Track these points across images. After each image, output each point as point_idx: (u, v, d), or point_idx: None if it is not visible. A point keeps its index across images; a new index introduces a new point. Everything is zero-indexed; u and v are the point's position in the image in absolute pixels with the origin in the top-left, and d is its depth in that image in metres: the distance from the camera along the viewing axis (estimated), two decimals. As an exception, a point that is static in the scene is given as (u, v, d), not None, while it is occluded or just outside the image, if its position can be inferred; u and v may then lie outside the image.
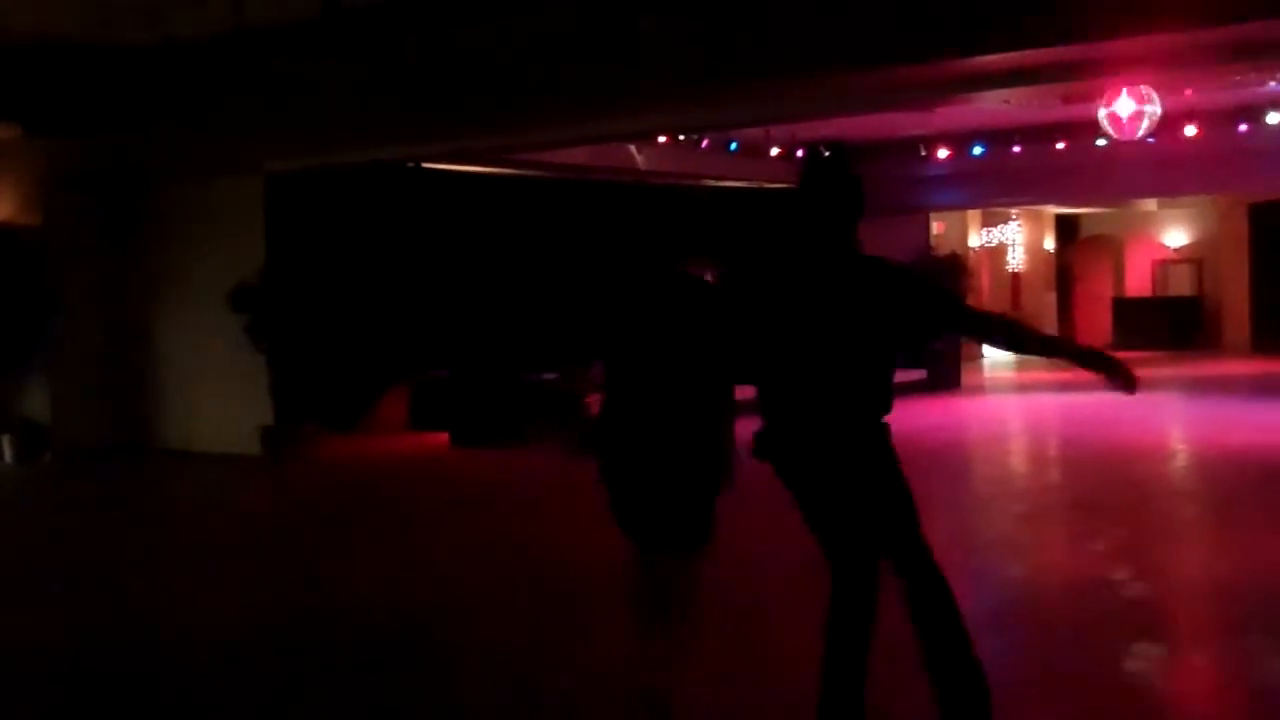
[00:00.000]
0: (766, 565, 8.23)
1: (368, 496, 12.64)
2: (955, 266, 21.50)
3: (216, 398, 15.50)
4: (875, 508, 4.81)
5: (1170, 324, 29.00)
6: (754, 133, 19.16)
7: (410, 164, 16.62)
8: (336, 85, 12.30)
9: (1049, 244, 31.31)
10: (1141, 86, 14.04)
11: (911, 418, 17.89)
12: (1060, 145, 19.93)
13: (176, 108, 13.43)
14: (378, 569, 8.98)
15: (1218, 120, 18.46)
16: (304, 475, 14.06)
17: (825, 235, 4.94)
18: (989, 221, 29.32)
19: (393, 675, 6.33)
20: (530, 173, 18.24)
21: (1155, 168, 20.39)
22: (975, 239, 28.61)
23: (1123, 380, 4.76)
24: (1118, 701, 5.63)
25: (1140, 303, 30.11)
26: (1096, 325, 30.46)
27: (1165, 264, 30.20)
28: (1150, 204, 29.37)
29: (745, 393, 5.13)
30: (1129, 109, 14.18)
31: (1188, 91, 16.25)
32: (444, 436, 15.60)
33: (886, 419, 4.88)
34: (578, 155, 17.58)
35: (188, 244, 15.71)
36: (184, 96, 13.27)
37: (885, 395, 4.86)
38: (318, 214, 16.09)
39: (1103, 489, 11.51)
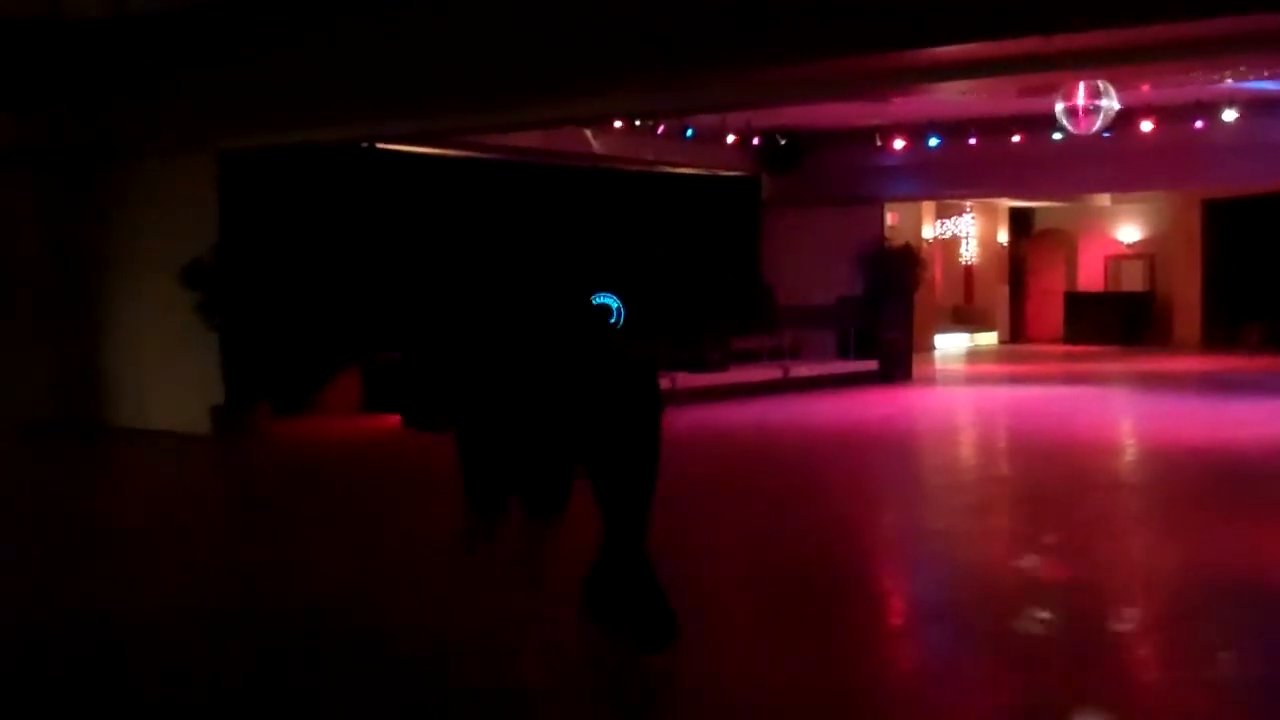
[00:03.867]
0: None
1: (315, 478, 12.55)
2: (909, 258, 21.59)
3: (167, 376, 15.37)
4: None
5: (1122, 319, 29.20)
6: (710, 119, 19.14)
7: (365, 144, 16.52)
8: (291, 63, 12.19)
9: (1002, 237, 31.45)
10: (1099, 81, 14.10)
11: (863, 408, 18.04)
12: (1016, 138, 19.98)
13: (130, 83, 13.28)
14: (313, 552, 8.90)
15: (1174, 116, 18.55)
16: (253, 456, 13.95)
17: None
18: (943, 213, 29.44)
19: (314, 661, 6.30)
20: (485, 155, 18.16)
21: (1111, 163, 20.49)
22: (929, 231, 28.71)
23: None
24: (1063, 690, 5.66)
25: (1092, 297, 30.30)
26: (1048, 319, 30.66)
27: (1118, 259, 30.40)
28: (1104, 199, 29.56)
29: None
30: (1086, 103, 14.24)
31: (1144, 87, 16.34)
32: (397, 418, 15.50)
33: None
34: (533, 139, 17.51)
35: (140, 221, 15.56)
36: (137, 72, 13.13)
37: None
38: (272, 193, 15.96)
39: (1051, 482, 11.56)
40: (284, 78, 12.42)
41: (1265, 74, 15.28)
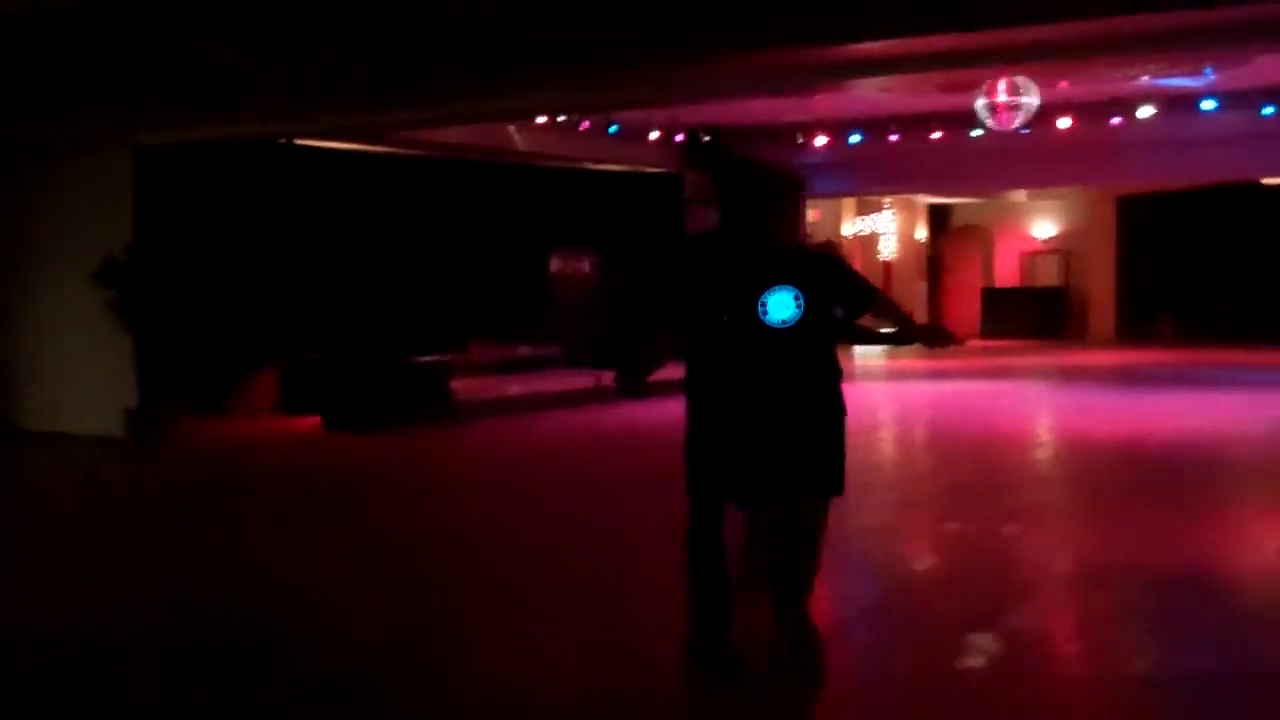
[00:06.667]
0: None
1: (233, 481, 12.33)
2: (831, 254, 21.62)
3: (80, 377, 15.04)
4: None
5: (1038, 314, 29.54)
6: (634, 115, 19.07)
7: (283, 140, 16.28)
8: (209, 58, 11.98)
9: (920, 233, 31.69)
10: (1019, 78, 14.20)
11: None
12: (937, 135, 20.09)
13: (43, 78, 12.99)
14: (233, 556, 8.74)
15: (1091, 113, 18.73)
16: (169, 458, 13.70)
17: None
18: (863, 210, 29.60)
19: (229, 669, 6.17)
20: (406, 151, 17.98)
21: (1029, 159, 20.68)
22: (849, 227, 28.85)
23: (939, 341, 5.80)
24: (990, 691, 5.64)
25: (1008, 293, 30.63)
26: (965, 315, 30.92)
27: (1033, 255, 30.73)
28: (1020, 195, 29.88)
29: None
30: (1006, 100, 14.33)
31: (1062, 84, 16.49)
32: (315, 420, 15.31)
33: None
34: (455, 135, 17.35)
35: (52, 218, 15.22)
36: (51, 66, 12.84)
37: None
38: (188, 190, 15.69)
39: (975, 476, 11.61)
40: (202, 73, 12.19)
41: (1181, 71, 15.46)
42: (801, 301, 5.55)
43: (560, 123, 18.69)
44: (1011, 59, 11.86)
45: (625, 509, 10.07)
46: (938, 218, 31.89)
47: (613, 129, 19.55)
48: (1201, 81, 16.95)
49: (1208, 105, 18.14)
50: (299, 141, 16.47)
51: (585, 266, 20.78)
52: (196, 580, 8.08)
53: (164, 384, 14.75)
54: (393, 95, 12.87)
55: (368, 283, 17.08)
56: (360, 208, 17.73)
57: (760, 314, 5.53)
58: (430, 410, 15.44)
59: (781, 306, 5.55)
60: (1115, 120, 18.81)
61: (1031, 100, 14.37)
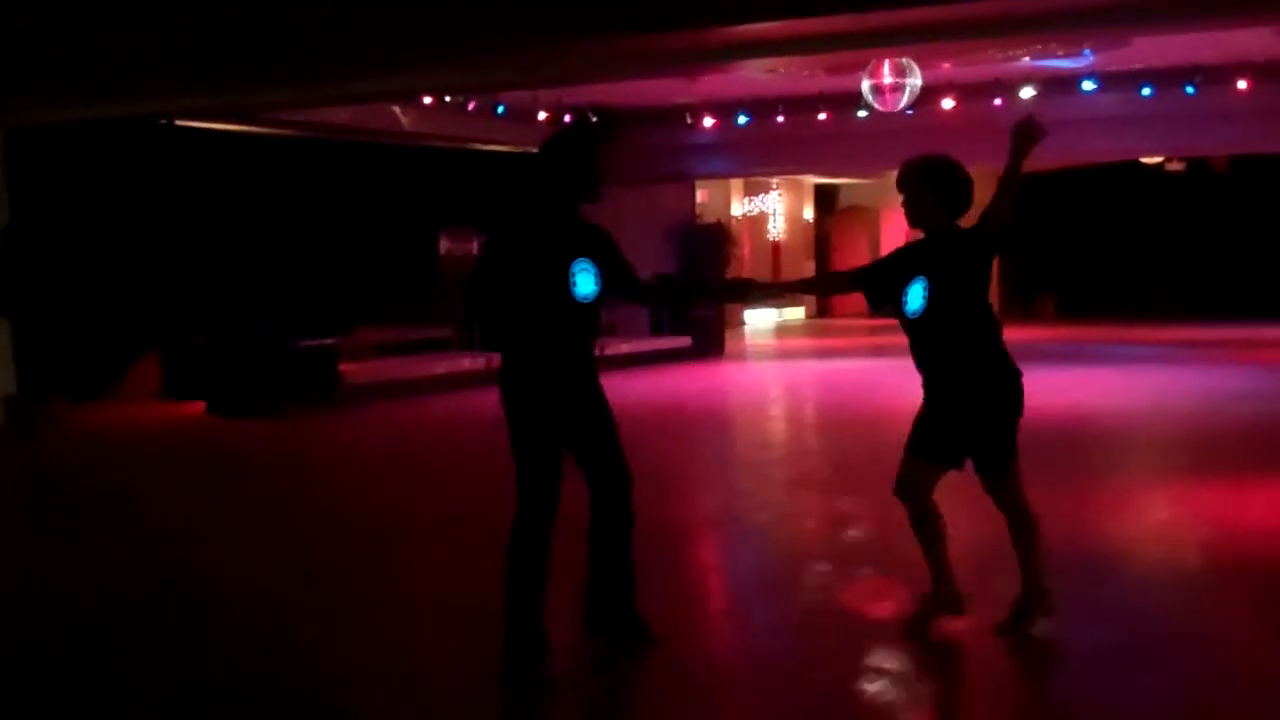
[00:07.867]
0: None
1: (113, 469, 12.09)
2: (721, 234, 21.75)
3: (-47, 366, 14.67)
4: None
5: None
6: (521, 96, 18.98)
7: (162, 120, 15.96)
8: (81, 36, 11.71)
9: (808, 213, 31.89)
10: (903, 60, 14.33)
11: (677, 384, 18.08)
12: (823, 116, 20.24)
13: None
14: (119, 548, 8.59)
15: (974, 93, 18.98)
16: (48, 446, 13.40)
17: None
18: (751, 191, 29.72)
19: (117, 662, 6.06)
20: (292, 132, 17.73)
21: (913, 139, 20.78)
22: (738, 208, 28.96)
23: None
24: (894, 667, 5.69)
25: (896, 272, 30.89)
26: (853, 295, 31.16)
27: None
28: (906, 175, 30.14)
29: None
30: (891, 81, 14.46)
31: (945, 65, 16.68)
32: (200, 405, 15.07)
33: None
34: (340, 115, 17.13)
35: (-80, 202, 14.81)
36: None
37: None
38: (64, 172, 15.36)
39: (866, 453, 11.69)
40: (76, 51, 11.92)
41: (1061, 52, 15.71)
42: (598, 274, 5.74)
43: (447, 103, 18.55)
44: (896, 41, 11.97)
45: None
46: (825, 198, 32.12)
47: (500, 109, 19.44)
48: (1081, 63, 17.24)
49: (1088, 86, 18.46)
50: (180, 122, 16.17)
51: (474, 248, 20.64)
52: (60, 572, 7.93)
53: (44, 371, 14.43)
54: (276, 73, 12.68)
55: (253, 266, 16.81)
56: (244, 189, 17.46)
57: (570, 287, 5.62)
58: (318, 394, 15.26)
59: (586, 280, 5.67)
60: (997, 101, 19.07)
61: (915, 81, 14.53)
